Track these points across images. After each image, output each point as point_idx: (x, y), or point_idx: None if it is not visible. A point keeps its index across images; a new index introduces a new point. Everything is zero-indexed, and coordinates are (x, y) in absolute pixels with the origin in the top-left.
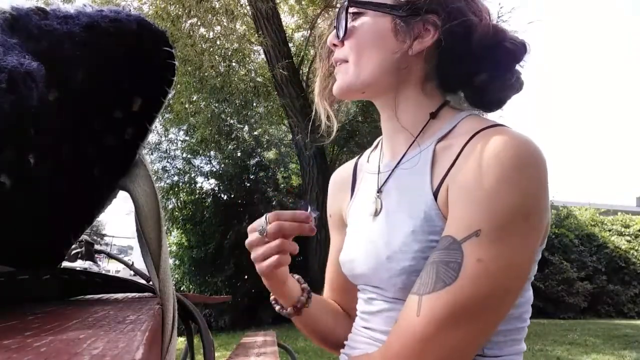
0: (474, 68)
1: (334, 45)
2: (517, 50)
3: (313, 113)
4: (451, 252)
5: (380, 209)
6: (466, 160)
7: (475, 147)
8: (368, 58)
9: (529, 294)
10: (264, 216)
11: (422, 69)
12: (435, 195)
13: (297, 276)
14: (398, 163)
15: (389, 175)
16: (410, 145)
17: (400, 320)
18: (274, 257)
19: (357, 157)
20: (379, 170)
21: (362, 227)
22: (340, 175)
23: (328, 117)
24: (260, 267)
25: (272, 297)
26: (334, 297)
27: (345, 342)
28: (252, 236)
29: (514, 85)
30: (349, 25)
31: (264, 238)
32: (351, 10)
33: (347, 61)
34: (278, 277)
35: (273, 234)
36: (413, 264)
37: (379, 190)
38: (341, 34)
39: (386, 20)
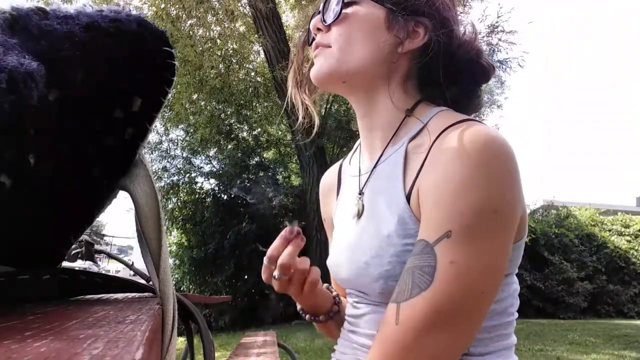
0: (451, 79)
1: (318, 29)
2: (490, 70)
3: (286, 103)
4: (425, 256)
5: (362, 210)
6: (433, 159)
7: (441, 146)
8: (360, 46)
9: (513, 287)
10: (264, 260)
11: (405, 68)
12: (408, 197)
13: (325, 284)
14: (376, 164)
15: (369, 177)
16: (387, 144)
17: (381, 330)
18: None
19: (342, 160)
20: (359, 172)
21: (345, 231)
22: (326, 179)
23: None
24: (295, 291)
25: (299, 308)
26: (341, 294)
27: (334, 347)
28: (275, 284)
29: (476, 105)
30: (343, 10)
31: (282, 276)
32: None
33: (330, 47)
34: (312, 294)
35: (284, 272)
36: (389, 268)
37: (361, 192)
38: (330, 18)
39: (381, 12)
